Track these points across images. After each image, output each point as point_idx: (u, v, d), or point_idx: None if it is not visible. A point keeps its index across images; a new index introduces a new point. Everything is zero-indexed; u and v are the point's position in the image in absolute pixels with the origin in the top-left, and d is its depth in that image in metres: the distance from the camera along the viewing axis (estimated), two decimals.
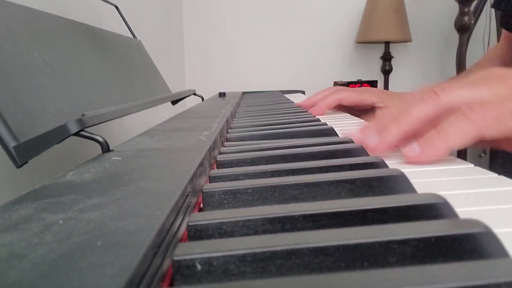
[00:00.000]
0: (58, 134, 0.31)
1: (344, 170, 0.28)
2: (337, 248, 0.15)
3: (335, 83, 1.72)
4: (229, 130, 0.50)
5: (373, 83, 1.81)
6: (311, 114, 0.62)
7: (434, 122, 0.33)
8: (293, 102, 0.91)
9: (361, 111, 0.73)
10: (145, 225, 0.15)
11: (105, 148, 0.32)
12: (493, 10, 1.74)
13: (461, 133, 0.30)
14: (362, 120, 0.62)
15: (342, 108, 0.75)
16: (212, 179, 0.28)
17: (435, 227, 0.16)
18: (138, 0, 1.18)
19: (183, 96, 0.81)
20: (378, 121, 0.37)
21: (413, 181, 0.24)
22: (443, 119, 0.32)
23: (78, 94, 0.44)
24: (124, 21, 0.81)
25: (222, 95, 1.00)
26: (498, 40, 0.94)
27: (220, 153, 0.36)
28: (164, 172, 0.23)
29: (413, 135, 0.34)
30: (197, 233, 0.19)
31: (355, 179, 0.24)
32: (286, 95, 1.20)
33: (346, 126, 0.55)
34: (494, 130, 0.30)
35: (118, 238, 0.14)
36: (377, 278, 0.13)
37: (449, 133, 0.30)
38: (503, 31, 0.84)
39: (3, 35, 0.36)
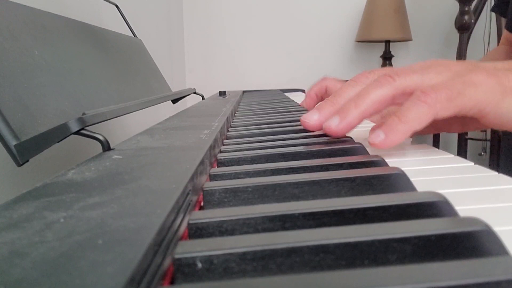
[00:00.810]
0: (59, 133, 0.31)
1: (344, 169, 0.28)
2: (337, 246, 0.15)
3: None
4: (230, 129, 0.50)
5: None
6: None
7: (392, 104, 0.36)
8: (293, 100, 0.91)
9: None
10: (146, 223, 0.15)
11: (106, 146, 0.32)
12: None
13: (419, 116, 0.32)
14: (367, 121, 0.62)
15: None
16: (212, 178, 0.28)
17: (435, 225, 0.16)
18: None
19: (184, 95, 0.81)
20: (334, 101, 0.39)
21: (413, 179, 0.24)
22: (399, 102, 0.35)
23: (79, 93, 0.44)
24: (125, 20, 0.81)
25: (222, 93, 1.00)
26: (498, 40, 0.94)
27: (221, 152, 0.36)
28: (165, 171, 0.23)
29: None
30: (197, 231, 0.19)
31: (355, 178, 0.24)
32: (286, 94, 1.20)
33: None
34: (447, 110, 0.32)
35: (119, 237, 0.14)
36: (378, 276, 0.13)
37: (408, 117, 0.32)
38: (504, 35, 0.84)
39: (4, 34, 0.36)
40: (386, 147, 0.33)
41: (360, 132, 0.43)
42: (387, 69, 0.38)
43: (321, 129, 0.39)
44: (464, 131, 0.39)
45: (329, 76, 0.74)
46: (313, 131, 0.42)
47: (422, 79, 0.35)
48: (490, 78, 0.33)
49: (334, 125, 0.36)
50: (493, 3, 0.84)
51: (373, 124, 0.53)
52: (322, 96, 0.72)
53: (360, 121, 0.36)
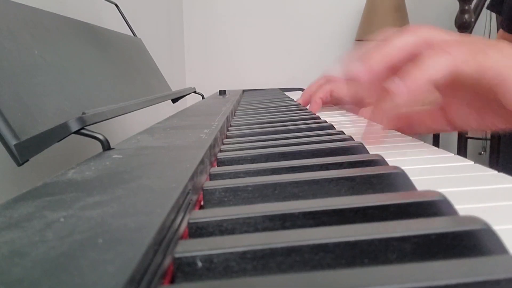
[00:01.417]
0: (59, 132, 0.31)
1: (344, 168, 0.28)
2: (337, 245, 0.15)
3: None
4: (230, 128, 0.50)
5: None
6: (311, 112, 0.62)
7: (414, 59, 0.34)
8: (293, 100, 0.91)
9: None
10: (146, 222, 0.15)
11: (106, 146, 0.32)
12: None
13: (438, 64, 0.31)
14: (362, 118, 0.62)
15: (334, 99, 0.74)
16: (212, 177, 0.28)
17: (435, 224, 0.16)
18: None
19: (184, 94, 0.81)
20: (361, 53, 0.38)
21: (413, 178, 0.24)
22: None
23: (79, 93, 0.44)
24: (124, 19, 0.81)
25: (222, 93, 1.00)
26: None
27: (221, 151, 0.36)
28: (165, 170, 0.24)
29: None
30: (197, 231, 0.19)
31: (355, 177, 0.24)
32: (286, 93, 1.20)
33: (345, 123, 0.55)
34: (468, 65, 0.32)
35: (119, 236, 0.14)
36: (378, 275, 0.13)
37: (427, 64, 0.31)
38: (500, 33, 0.84)
39: (4, 34, 0.36)
40: (404, 95, 0.32)
41: (360, 132, 0.43)
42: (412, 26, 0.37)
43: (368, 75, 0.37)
44: (481, 127, 0.38)
45: (328, 75, 0.74)
46: (315, 130, 0.42)
47: (446, 35, 0.35)
48: (499, 49, 0.33)
49: (357, 70, 0.35)
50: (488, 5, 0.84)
51: (361, 118, 0.53)
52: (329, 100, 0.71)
53: (384, 67, 0.35)
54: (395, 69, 0.35)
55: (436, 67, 0.31)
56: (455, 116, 0.39)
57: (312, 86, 0.75)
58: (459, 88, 0.37)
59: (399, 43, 0.35)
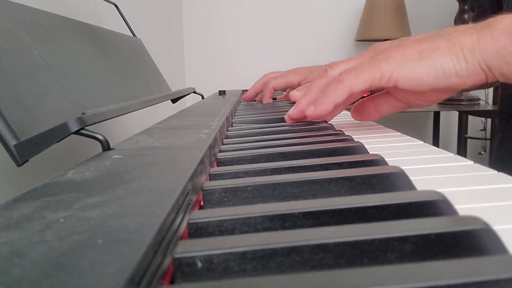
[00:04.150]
0: (59, 133, 0.31)
1: (344, 168, 0.28)
2: (337, 245, 0.15)
3: None
4: (229, 128, 0.50)
5: None
6: None
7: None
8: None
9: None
10: (146, 223, 0.15)
11: (106, 146, 0.32)
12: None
13: (337, 91, 0.43)
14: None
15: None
16: (212, 177, 0.28)
17: (435, 224, 0.16)
18: None
19: (183, 94, 0.80)
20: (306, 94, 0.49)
21: (412, 178, 0.24)
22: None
23: (78, 93, 0.44)
24: (124, 20, 0.81)
25: (222, 93, 1.00)
26: None
27: (220, 151, 0.36)
28: (165, 170, 0.23)
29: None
30: (197, 231, 0.19)
31: (355, 177, 0.24)
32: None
33: (344, 123, 0.55)
34: (357, 84, 0.42)
35: (119, 236, 0.14)
36: (377, 275, 0.13)
37: (330, 94, 0.43)
38: None
39: (3, 34, 0.36)
40: (316, 117, 0.45)
41: (360, 131, 0.43)
42: (330, 64, 0.49)
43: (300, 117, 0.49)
44: (429, 104, 0.47)
45: (268, 75, 0.90)
46: (314, 130, 0.43)
47: (346, 66, 0.45)
48: (408, 48, 0.40)
49: (292, 114, 0.49)
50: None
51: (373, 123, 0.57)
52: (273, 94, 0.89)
53: (309, 105, 0.46)
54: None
55: (336, 94, 0.42)
56: (403, 98, 0.47)
57: (256, 84, 0.90)
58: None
59: (316, 86, 0.47)
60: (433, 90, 0.40)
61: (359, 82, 0.41)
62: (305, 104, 0.47)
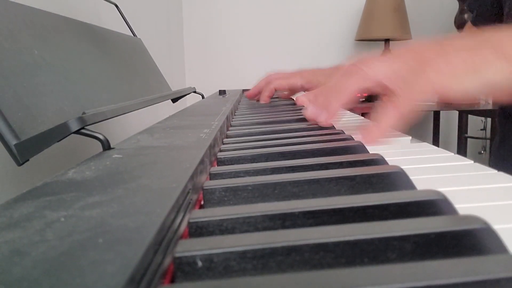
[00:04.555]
0: (59, 132, 0.31)
1: (344, 167, 0.28)
2: (337, 244, 0.15)
3: None
4: (230, 128, 0.50)
5: None
6: None
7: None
8: (293, 99, 0.91)
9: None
10: (146, 222, 0.15)
11: (106, 146, 0.32)
12: None
13: (390, 118, 0.39)
14: (362, 117, 0.62)
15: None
16: (212, 176, 0.28)
17: (435, 224, 0.16)
18: None
19: (183, 94, 0.81)
20: (318, 99, 0.47)
21: (412, 177, 0.24)
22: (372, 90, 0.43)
23: (79, 92, 0.44)
24: (124, 20, 0.81)
25: (222, 92, 1.00)
26: None
27: (221, 151, 0.36)
28: (165, 170, 0.24)
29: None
30: (198, 230, 0.19)
31: (355, 176, 0.24)
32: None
33: (344, 123, 0.55)
34: (410, 109, 0.39)
35: (119, 236, 0.14)
36: (378, 274, 0.13)
37: (383, 122, 0.39)
38: (468, 26, 0.85)
39: (4, 34, 0.36)
40: (370, 142, 0.40)
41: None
42: (357, 59, 0.44)
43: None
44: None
45: (272, 75, 0.89)
46: (314, 129, 0.43)
47: (388, 68, 0.41)
48: (454, 59, 0.39)
49: (324, 119, 0.45)
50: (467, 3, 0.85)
51: (359, 117, 0.57)
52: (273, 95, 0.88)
53: (340, 109, 0.44)
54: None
55: (389, 122, 0.39)
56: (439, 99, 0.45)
57: (260, 83, 0.89)
58: None
59: (348, 87, 0.43)
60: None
61: (412, 107, 0.39)
62: (338, 107, 0.44)
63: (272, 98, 0.89)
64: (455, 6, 1.84)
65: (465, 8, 1.70)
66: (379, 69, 0.42)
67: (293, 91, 0.92)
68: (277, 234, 0.17)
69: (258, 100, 0.89)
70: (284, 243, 0.15)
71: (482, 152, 1.96)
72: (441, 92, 0.38)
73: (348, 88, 0.43)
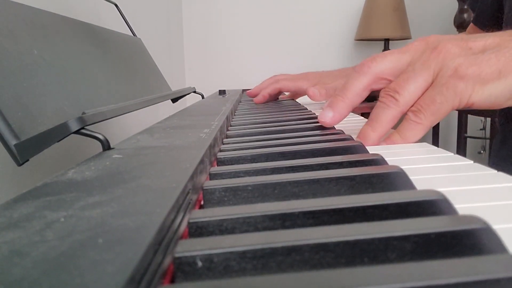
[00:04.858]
0: (59, 132, 0.31)
1: (344, 167, 0.28)
2: (337, 244, 0.15)
3: None
4: (229, 128, 0.50)
5: None
6: (310, 111, 0.62)
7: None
8: (293, 99, 0.91)
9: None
10: (146, 222, 0.15)
11: (106, 146, 0.32)
12: None
13: (416, 135, 0.38)
14: (361, 117, 0.62)
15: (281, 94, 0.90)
16: (212, 176, 0.28)
17: (435, 223, 0.16)
18: None
19: (183, 94, 0.81)
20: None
21: (412, 177, 0.24)
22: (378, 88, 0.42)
23: (78, 92, 0.44)
24: (124, 19, 0.81)
25: (222, 92, 1.00)
26: None
27: (221, 151, 0.36)
28: (165, 170, 0.24)
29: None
30: (197, 230, 0.19)
31: (355, 176, 0.24)
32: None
33: (344, 123, 0.55)
34: (436, 121, 0.37)
35: (119, 236, 0.14)
36: (378, 274, 0.13)
37: (408, 137, 0.38)
38: (471, 27, 0.84)
39: (4, 34, 0.36)
40: (403, 142, 0.39)
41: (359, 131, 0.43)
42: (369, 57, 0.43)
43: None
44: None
45: (280, 76, 0.88)
46: (314, 129, 0.43)
47: (396, 63, 0.40)
48: (484, 64, 0.35)
49: (330, 118, 0.43)
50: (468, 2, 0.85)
51: (360, 118, 0.56)
52: (275, 95, 0.88)
53: (349, 110, 0.43)
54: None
55: (416, 137, 0.38)
56: None
57: (264, 83, 0.88)
58: None
59: (355, 86, 0.42)
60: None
61: (439, 118, 0.37)
62: (346, 107, 0.42)
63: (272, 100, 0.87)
64: (455, 6, 1.84)
65: (465, 7, 1.70)
66: (384, 62, 0.41)
67: (298, 94, 0.90)
68: (277, 234, 0.17)
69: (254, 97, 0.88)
70: (284, 243, 0.15)
71: (482, 152, 1.96)
72: (470, 103, 0.36)
73: (352, 87, 0.41)
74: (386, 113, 0.39)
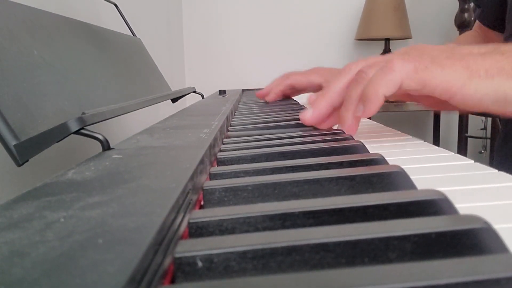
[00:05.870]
0: (59, 133, 0.31)
1: (344, 167, 0.28)
2: (337, 244, 0.15)
3: None
4: (229, 128, 0.50)
5: None
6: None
7: None
8: (293, 99, 0.91)
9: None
10: (146, 222, 0.15)
11: (106, 146, 0.32)
12: None
13: (387, 81, 0.36)
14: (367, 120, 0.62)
15: (295, 91, 0.86)
16: (212, 177, 0.28)
17: (435, 223, 0.16)
18: None
19: (183, 94, 0.80)
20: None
21: (413, 177, 0.24)
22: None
23: (78, 93, 0.44)
24: (124, 19, 0.81)
25: (222, 92, 1.00)
26: None
27: (221, 151, 0.36)
28: (165, 170, 0.23)
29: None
30: (198, 230, 0.19)
31: (355, 176, 0.24)
32: None
33: None
34: (412, 80, 0.35)
35: (119, 236, 0.14)
36: (378, 274, 0.13)
37: (379, 82, 0.36)
38: (477, 24, 0.84)
39: (3, 34, 0.36)
40: (368, 115, 0.38)
41: (361, 130, 0.43)
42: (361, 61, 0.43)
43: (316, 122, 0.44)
44: (438, 110, 0.44)
45: (291, 72, 0.85)
46: (312, 128, 0.43)
47: (380, 59, 0.40)
48: (458, 61, 0.36)
49: (308, 116, 0.43)
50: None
51: (373, 122, 0.56)
52: (288, 92, 0.84)
53: (328, 108, 0.43)
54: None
55: (386, 84, 0.36)
56: (419, 100, 0.44)
57: (274, 81, 0.84)
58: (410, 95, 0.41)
59: (336, 85, 0.42)
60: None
61: (416, 78, 0.35)
62: (325, 105, 0.42)
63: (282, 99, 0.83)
64: (455, 6, 1.83)
65: (466, 7, 1.70)
66: (367, 61, 0.41)
67: (310, 89, 0.84)
68: (277, 234, 0.17)
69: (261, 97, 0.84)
70: (284, 243, 0.15)
71: (483, 151, 1.96)
72: (452, 93, 0.35)
73: (332, 87, 0.42)
74: (356, 89, 0.39)
